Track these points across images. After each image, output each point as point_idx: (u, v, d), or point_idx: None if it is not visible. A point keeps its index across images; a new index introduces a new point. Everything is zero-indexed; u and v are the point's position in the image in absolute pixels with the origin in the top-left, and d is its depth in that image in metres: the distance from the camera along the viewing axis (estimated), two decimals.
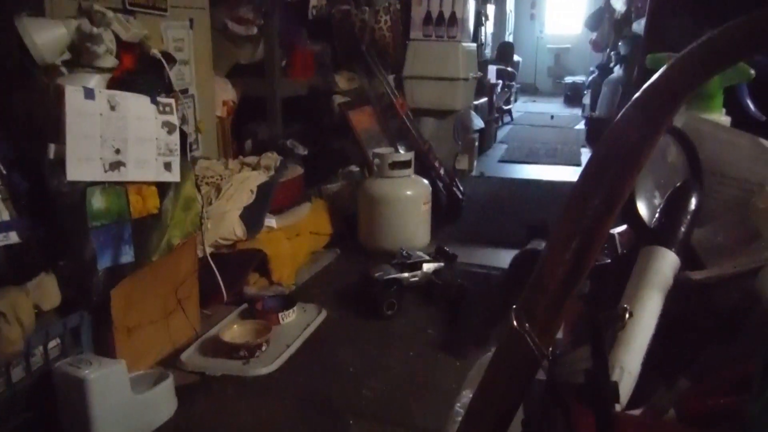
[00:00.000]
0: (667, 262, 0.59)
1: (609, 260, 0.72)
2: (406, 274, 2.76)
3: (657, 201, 0.73)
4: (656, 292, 0.56)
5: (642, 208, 0.72)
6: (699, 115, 0.89)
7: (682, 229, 0.63)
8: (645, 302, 0.55)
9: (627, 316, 0.51)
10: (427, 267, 2.82)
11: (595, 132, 6.79)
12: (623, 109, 0.51)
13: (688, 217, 0.64)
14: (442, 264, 2.87)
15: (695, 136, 0.73)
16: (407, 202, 3.32)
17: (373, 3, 4.15)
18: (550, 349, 0.51)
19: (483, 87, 5.80)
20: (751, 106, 1.20)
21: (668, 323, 0.55)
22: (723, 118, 1.15)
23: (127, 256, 1.95)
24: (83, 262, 1.83)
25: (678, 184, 0.70)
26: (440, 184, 3.81)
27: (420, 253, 2.94)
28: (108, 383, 1.73)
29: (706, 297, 0.58)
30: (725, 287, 0.58)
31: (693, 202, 0.66)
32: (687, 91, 0.49)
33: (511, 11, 10.16)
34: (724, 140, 0.74)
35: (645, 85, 0.50)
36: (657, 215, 0.68)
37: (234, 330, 2.34)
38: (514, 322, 0.52)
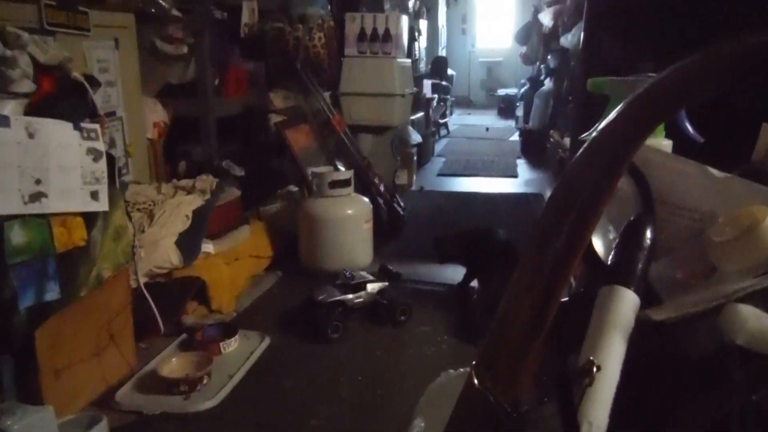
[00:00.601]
0: (627, 303, 0.57)
1: (566, 298, 0.70)
2: (350, 296, 2.71)
3: (612, 236, 0.72)
4: (619, 338, 0.54)
5: (597, 244, 0.70)
6: None
7: (640, 265, 0.61)
8: (609, 350, 0.53)
9: (595, 370, 0.49)
10: (372, 287, 2.78)
11: (528, 143, 6.97)
12: (580, 150, 0.49)
13: (645, 252, 0.63)
14: (386, 283, 2.83)
15: (644, 165, 0.73)
16: (348, 221, 3.28)
17: (306, 20, 4.11)
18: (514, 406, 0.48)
19: (419, 101, 5.87)
20: (690, 128, 1.23)
21: (633, 369, 0.54)
22: (665, 142, 1.18)
23: (53, 293, 1.83)
24: (1, 303, 1.71)
25: (632, 218, 0.69)
26: (381, 201, 3.78)
27: (364, 273, 2.90)
28: None
29: (671, 340, 0.57)
30: (689, 329, 0.57)
31: (648, 236, 0.66)
32: (647, 132, 0.47)
33: (443, 26, 10.35)
34: (673, 169, 0.74)
35: (602, 125, 0.48)
36: (613, 251, 0.66)
37: (173, 363, 2.24)
38: (475, 380, 0.49)
